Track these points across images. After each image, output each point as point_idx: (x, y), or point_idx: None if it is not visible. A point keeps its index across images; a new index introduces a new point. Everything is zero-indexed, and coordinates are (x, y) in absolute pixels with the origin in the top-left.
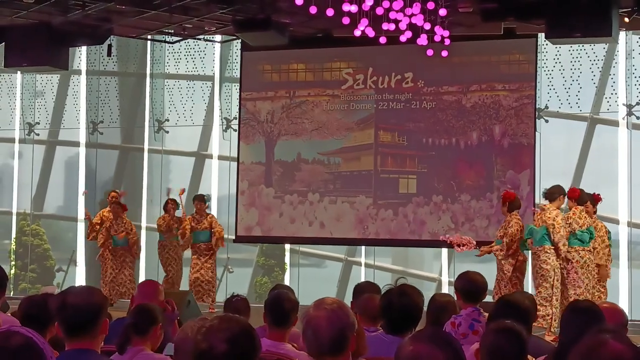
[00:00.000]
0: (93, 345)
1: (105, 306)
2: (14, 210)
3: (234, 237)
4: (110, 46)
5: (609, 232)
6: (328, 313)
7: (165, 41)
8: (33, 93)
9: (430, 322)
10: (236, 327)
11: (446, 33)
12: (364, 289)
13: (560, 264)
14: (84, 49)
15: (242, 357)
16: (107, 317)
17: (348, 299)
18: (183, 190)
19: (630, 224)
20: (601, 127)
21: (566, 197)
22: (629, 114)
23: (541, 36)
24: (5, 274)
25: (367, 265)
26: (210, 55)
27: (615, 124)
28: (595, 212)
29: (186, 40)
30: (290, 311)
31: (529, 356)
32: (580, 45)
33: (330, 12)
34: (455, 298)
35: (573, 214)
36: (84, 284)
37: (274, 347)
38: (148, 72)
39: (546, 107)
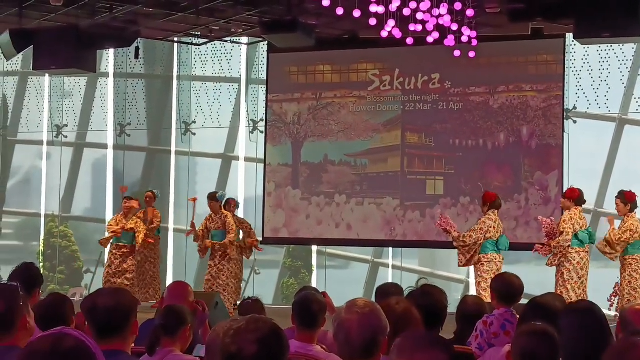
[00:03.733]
0: (124, 346)
1: (135, 307)
2: (43, 212)
3: (260, 239)
4: (137, 49)
5: None
6: (360, 317)
7: (192, 43)
8: (61, 95)
9: (460, 323)
10: (265, 328)
11: (473, 34)
12: (387, 291)
13: None
14: (111, 51)
15: (272, 359)
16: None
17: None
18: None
19: None
20: (630, 127)
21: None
22: None
23: (569, 36)
24: (39, 273)
25: (394, 267)
26: (236, 57)
27: None
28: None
29: (213, 43)
30: (319, 312)
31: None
32: (609, 45)
33: (357, 13)
34: (490, 298)
35: (574, 214)
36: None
37: (302, 348)
38: (175, 74)
39: (574, 107)
